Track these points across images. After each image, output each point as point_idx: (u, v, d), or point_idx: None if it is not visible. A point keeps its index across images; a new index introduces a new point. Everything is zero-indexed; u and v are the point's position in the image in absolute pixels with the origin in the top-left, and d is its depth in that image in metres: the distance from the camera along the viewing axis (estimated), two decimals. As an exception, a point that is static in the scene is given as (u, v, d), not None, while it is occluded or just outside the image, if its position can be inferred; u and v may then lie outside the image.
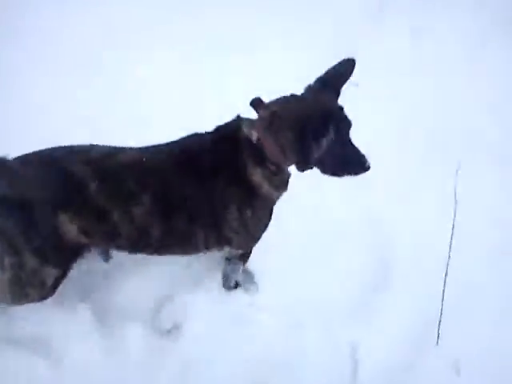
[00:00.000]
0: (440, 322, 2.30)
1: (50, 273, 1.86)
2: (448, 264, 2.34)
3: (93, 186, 1.74)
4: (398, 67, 3.37)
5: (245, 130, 1.86)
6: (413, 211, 2.65)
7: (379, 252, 2.58)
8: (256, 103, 1.88)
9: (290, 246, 2.50)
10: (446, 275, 2.34)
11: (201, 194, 1.85)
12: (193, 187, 1.84)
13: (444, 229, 2.45)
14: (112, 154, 1.84)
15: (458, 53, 3.56)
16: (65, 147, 1.83)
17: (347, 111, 1.87)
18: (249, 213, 1.94)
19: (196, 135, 1.93)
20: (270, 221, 2.09)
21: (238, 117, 1.92)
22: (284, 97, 1.87)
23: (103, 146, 1.88)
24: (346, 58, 1.88)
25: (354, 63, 1.88)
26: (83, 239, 1.80)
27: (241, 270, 2.34)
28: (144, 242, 1.92)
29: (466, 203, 2.39)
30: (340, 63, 1.88)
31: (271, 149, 1.82)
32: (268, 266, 2.44)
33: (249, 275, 2.42)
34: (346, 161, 1.90)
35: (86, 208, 1.76)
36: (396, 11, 3.81)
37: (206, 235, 1.96)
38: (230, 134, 1.88)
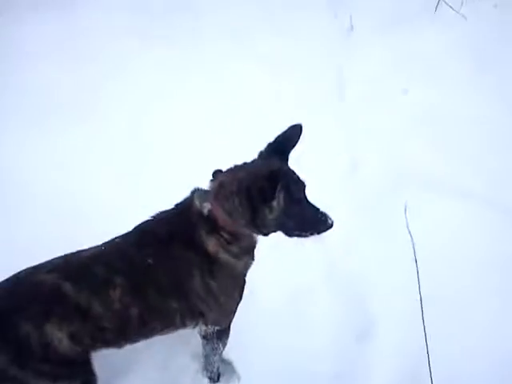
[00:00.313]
0: (429, 364, 2.24)
1: None
2: (421, 301, 2.33)
3: (67, 287, 1.77)
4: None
5: (196, 202, 1.91)
6: (375, 257, 2.68)
7: (354, 305, 2.57)
8: (215, 175, 1.96)
9: (262, 320, 2.45)
10: (422, 314, 2.33)
11: (163, 266, 1.89)
12: (154, 261, 1.88)
13: (409, 268, 2.47)
14: (73, 254, 1.90)
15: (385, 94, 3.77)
16: (26, 268, 1.85)
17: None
18: (213, 283, 1.94)
19: (152, 217, 1.98)
20: (241, 293, 2.07)
21: (194, 190, 1.98)
22: (235, 165, 1.94)
23: (61, 255, 1.91)
24: (294, 124, 1.97)
25: (301, 128, 1.97)
26: (74, 346, 1.79)
27: (221, 352, 2.24)
28: (128, 328, 1.91)
29: (423, 239, 2.43)
30: (288, 129, 1.97)
31: (222, 218, 1.86)
32: (245, 349, 2.36)
33: (227, 365, 2.34)
34: (307, 221, 1.93)
35: (68, 310, 1.77)
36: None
37: (179, 307, 1.95)
38: (183, 209, 1.95)
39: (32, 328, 1.72)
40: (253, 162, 1.96)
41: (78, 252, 1.92)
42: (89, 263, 1.85)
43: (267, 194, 1.79)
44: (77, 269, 1.84)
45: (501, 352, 2.33)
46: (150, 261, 1.87)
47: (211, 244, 1.90)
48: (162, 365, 2.34)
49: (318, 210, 1.94)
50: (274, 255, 2.60)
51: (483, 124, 3.43)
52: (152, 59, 3.92)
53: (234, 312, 2.11)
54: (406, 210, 2.44)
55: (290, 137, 1.97)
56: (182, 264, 1.90)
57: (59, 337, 1.75)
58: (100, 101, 3.52)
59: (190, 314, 2.01)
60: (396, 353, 2.37)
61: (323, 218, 1.93)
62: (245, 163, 1.95)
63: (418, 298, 2.35)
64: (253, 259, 2.05)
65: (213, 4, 4.54)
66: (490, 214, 2.83)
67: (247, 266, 2.06)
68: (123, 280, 1.83)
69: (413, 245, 2.34)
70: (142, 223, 1.99)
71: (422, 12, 4.59)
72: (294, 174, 1.92)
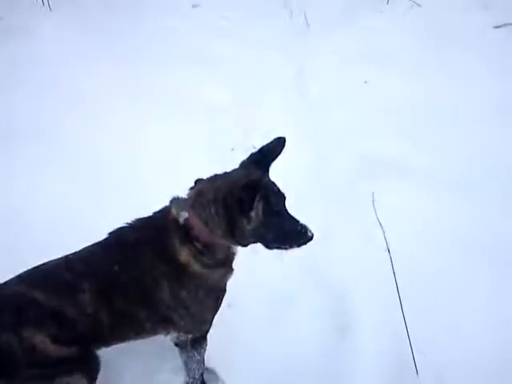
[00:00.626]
0: (412, 351, 2.24)
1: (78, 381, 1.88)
2: (398, 290, 2.33)
3: (36, 294, 1.79)
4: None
5: (174, 211, 1.88)
6: (350, 251, 2.68)
7: (333, 300, 2.55)
8: (196, 183, 1.95)
9: (243, 325, 2.42)
10: (400, 302, 2.34)
11: (130, 274, 1.87)
12: (121, 268, 1.87)
13: (383, 257, 2.48)
14: (40, 265, 1.91)
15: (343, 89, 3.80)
16: None
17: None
18: (184, 293, 1.91)
19: (127, 224, 1.96)
20: (216, 304, 2.04)
21: (173, 198, 1.96)
22: (215, 174, 1.93)
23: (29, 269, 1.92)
24: (277, 136, 1.96)
25: (284, 141, 1.95)
26: (61, 347, 1.79)
27: (200, 360, 2.18)
28: (101, 333, 1.91)
29: (393, 228, 2.44)
30: (273, 141, 1.95)
31: (198, 227, 1.84)
32: (228, 355, 2.33)
33: (211, 374, 2.30)
34: (287, 233, 1.89)
35: (42, 315, 1.78)
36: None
37: (147, 316, 1.94)
38: (160, 217, 1.93)
39: (11, 336, 1.73)
40: (234, 171, 1.94)
41: (46, 262, 1.92)
42: (56, 270, 1.88)
43: (245, 204, 1.76)
44: (44, 277, 1.87)
45: (482, 335, 2.33)
46: (116, 267, 1.86)
47: (184, 254, 1.87)
48: (145, 381, 2.29)
49: (297, 222, 1.90)
50: (251, 259, 2.59)
51: (443, 110, 3.49)
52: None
53: (210, 322, 2.08)
54: (373, 200, 2.46)
55: (274, 149, 1.95)
56: (150, 274, 1.88)
57: (42, 340, 1.76)
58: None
59: (160, 323, 1.99)
60: (379, 344, 2.35)
61: (303, 231, 1.89)
62: (226, 172, 1.93)
63: (395, 287, 2.35)
64: (231, 270, 2.02)
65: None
66: (454, 196, 2.86)
67: (224, 278, 2.02)
68: (90, 284, 1.84)
69: (383, 234, 2.35)
70: (116, 229, 1.97)
71: (375, 2, 4.65)
72: (274, 185, 1.90)
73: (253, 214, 1.79)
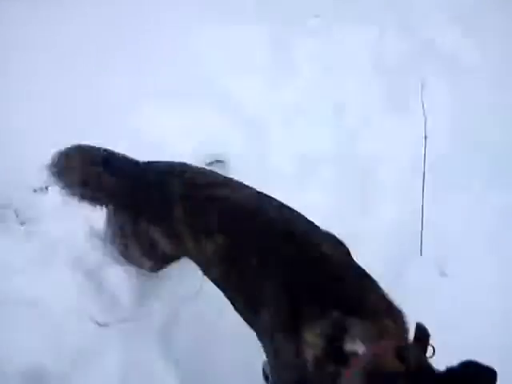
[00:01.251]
0: (422, 233, 2.32)
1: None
2: (424, 173, 2.36)
3: (178, 210, 1.68)
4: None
5: None
6: (385, 132, 2.71)
7: (357, 177, 2.61)
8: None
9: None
10: (423, 190, 2.37)
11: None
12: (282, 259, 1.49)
13: (417, 144, 2.49)
14: (211, 184, 1.73)
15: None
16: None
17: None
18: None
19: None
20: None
21: None
22: None
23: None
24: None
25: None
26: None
27: None
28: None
29: (434, 117, 2.43)
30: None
31: None
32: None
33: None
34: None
35: (169, 225, 1.72)
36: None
37: None
38: None
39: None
40: None
41: (221, 185, 1.73)
42: (209, 206, 1.66)
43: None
44: (196, 202, 1.69)
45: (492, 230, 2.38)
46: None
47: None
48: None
49: None
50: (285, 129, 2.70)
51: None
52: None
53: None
54: (421, 85, 2.42)
55: None
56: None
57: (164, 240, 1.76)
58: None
59: None
60: (393, 213, 2.44)
61: None
62: None
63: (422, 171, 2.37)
64: None
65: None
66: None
67: None
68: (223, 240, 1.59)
69: (425, 121, 2.34)
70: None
71: None
72: None
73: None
